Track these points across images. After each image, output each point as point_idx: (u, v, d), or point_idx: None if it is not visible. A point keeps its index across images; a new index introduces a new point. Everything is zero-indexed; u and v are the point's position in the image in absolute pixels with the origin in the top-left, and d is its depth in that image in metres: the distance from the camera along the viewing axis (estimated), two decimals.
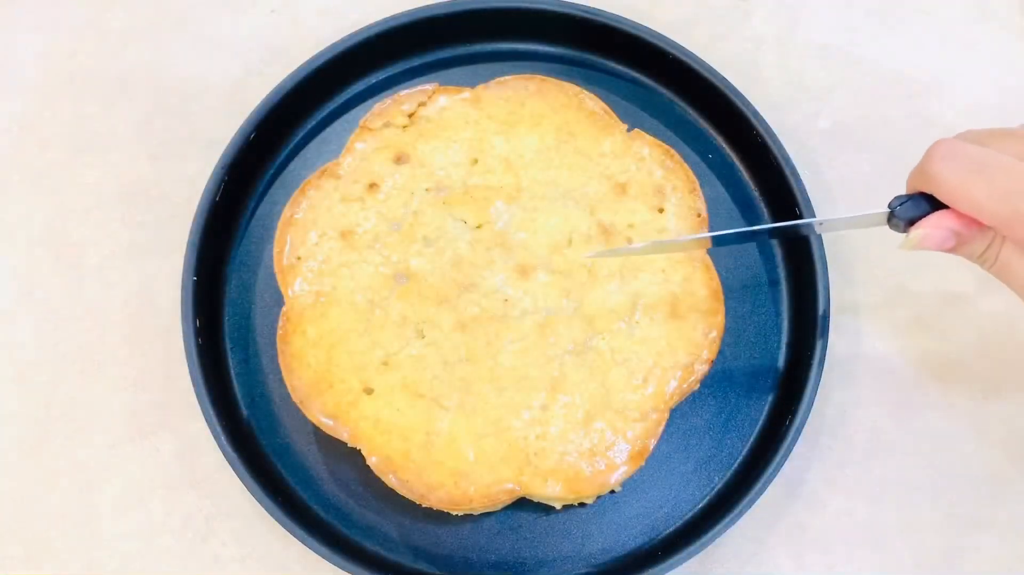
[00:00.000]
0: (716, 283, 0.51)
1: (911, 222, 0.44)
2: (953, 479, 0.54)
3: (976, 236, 0.45)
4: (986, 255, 0.45)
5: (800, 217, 0.53)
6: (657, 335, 0.50)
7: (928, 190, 0.44)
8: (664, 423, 0.49)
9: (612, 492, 0.51)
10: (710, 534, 0.49)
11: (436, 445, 0.48)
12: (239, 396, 0.54)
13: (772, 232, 0.52)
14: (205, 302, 0.53)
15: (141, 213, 0.58)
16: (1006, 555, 0.53)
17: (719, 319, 0.51)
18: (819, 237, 0.53)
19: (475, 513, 0.50)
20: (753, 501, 0.49)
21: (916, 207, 0.44)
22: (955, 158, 0.43)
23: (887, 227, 0.46)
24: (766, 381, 0.54)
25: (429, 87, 0.54)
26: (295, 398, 0.49)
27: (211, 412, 0.50)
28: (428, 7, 0.57)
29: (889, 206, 0.45)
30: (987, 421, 0.55)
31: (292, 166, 0.58)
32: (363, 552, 0.51)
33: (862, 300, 0.57)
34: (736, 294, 0.55)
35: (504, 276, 0.51)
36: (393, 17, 0.57)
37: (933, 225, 0.44)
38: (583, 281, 0.51)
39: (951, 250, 0.45)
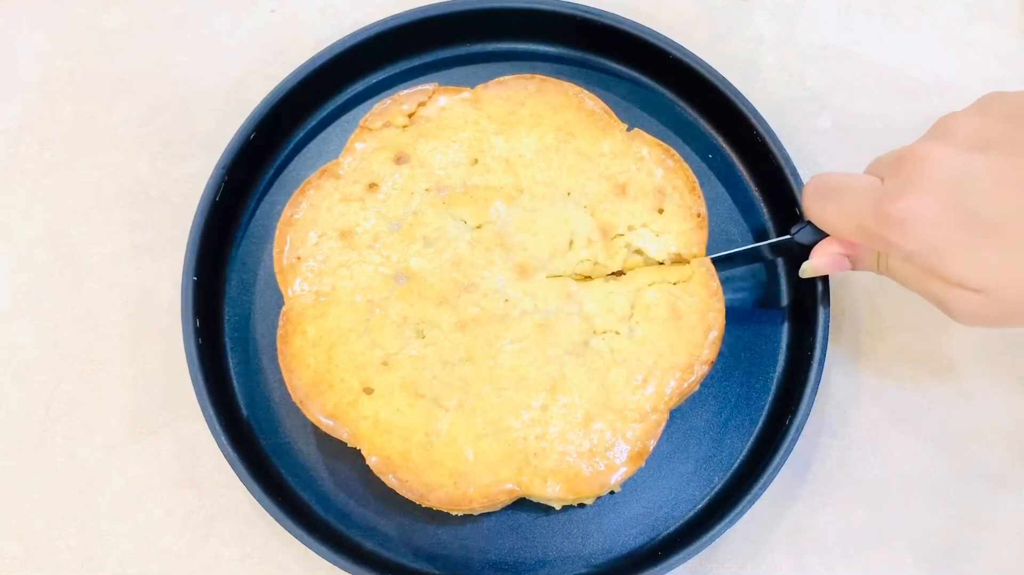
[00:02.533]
0: (716, 284, 0.51)
1: (812, 244, 0.49)
2: (953, 479, 0.54)
3: (864, 253, 0.48)
4: (880, 267, 0.48)
5: (801, 218, 0.53)
6: (657, 336, 0.50)
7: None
8: (664, 423, 0.49)
9: (612, 493, 0.51)
10: (710, 534, 0.49)
11: (436, 445, 0.48)
12: (239, 396, 0.54)
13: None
14: (205, 302, 0.53)
15: (141, 213, 0.58)
16: (1006, 555, 0.53)
17: (720, 320, 0.51)
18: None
19: (475, 513, 0.50)
20: (753, 501, 0.49)
21: (813, 232, 0.49)
22: (816, 189, 0.47)
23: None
24: (766, 381, 0.54)
25: (429, 87, 0.54)
26: (295, 398, 0.49)
27: (211, 412, 0.50)
28: (428, 7, 0.57)
29: (791, 232, 0.48)
30: (987, 421, 0.55)
31: (292, 166, 0.58)
32: (363, 552, 0.51)
33: (862, 300, 0.57)
34: (736, 294, 0.55)
35: (504, 276, 0.51)
36: (393, 17, 0.57)
37: (820, 253, 0.49)
38: (583, 281, 0.51)
39: (853, 269, 0.49)
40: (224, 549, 0.53)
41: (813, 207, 0.47)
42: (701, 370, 0.50)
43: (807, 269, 0.49)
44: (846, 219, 0.45)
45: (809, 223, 0.49)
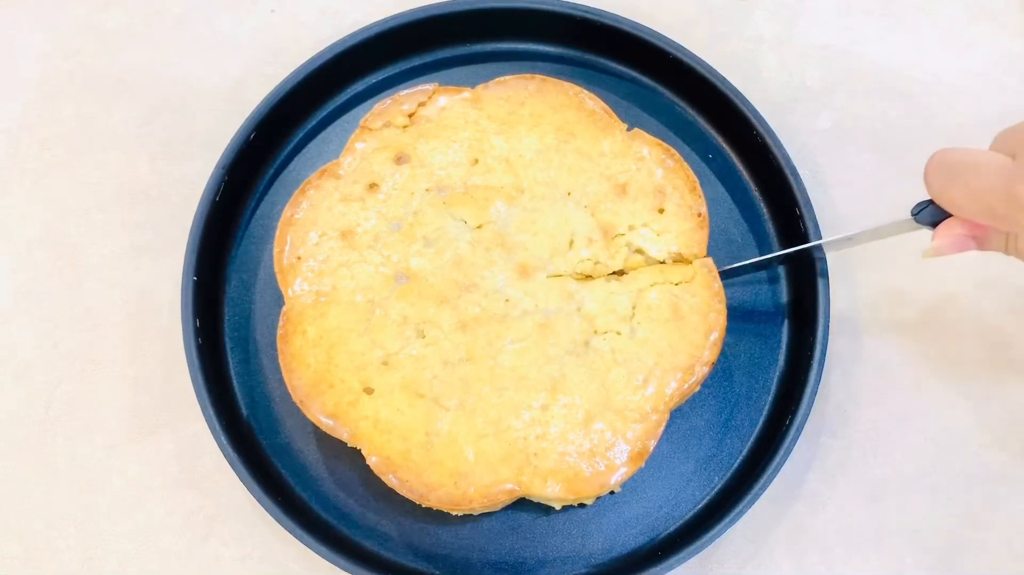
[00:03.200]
0: (718, 285, 0.51)
1: (935, 224, 0.46)
2: (953, 479, 0.54)
3: (992, 234, 0.45)
4: (1008, 248, 0.46)
5: (800, 218, 0.53)
6: (658, 336, 0.50)
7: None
8: (664, 424, 0.49)
9: (612, 493, 0.51)
10: (710, 534, 0.49)
11: (436, 445, 0.48)
12: (239, 396, 0.54)
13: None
14: (205, 302, 0.53)
15: (141, 213, 0.58)
16: (1006, 555, 0.53)
17: (721, 321, 0.51)
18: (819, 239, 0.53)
19: (475, 513, 0.50)
20: (753, 501, 0.49)
21: (935, 212, 0.45)
22: (939, 166, 0.44)
23: (914, 232, 0.47)
24: (766, 381, 0.54)
25: (429, 87, 0.54)
26: (295, 398, 0.49)
27: (211, 412, 0.50)
28: (428, 7, 0.57)
29: (911, 212, 0.46)
30: (987, 421, 0.55)
31: (292, 166, 0.58)
32: (363, 552, 0.51)
33: (862, 300, 0.57)
34: (737, 295, 0.55)
35: (505, 276, 0.51)
36: (393, 17, 0.57)
37: (943, 235, 0.45)
38: (584, 281, 0.51)
39: (979, 249, 0.46)
40: (224, 549, 0.53)
41: (936, 186, 0.44)
42: (702, 371, 0.50)
43: (929, 251, 0.46)
44: (973, 200, 0.42)
45: (931, 203, 0.46)
